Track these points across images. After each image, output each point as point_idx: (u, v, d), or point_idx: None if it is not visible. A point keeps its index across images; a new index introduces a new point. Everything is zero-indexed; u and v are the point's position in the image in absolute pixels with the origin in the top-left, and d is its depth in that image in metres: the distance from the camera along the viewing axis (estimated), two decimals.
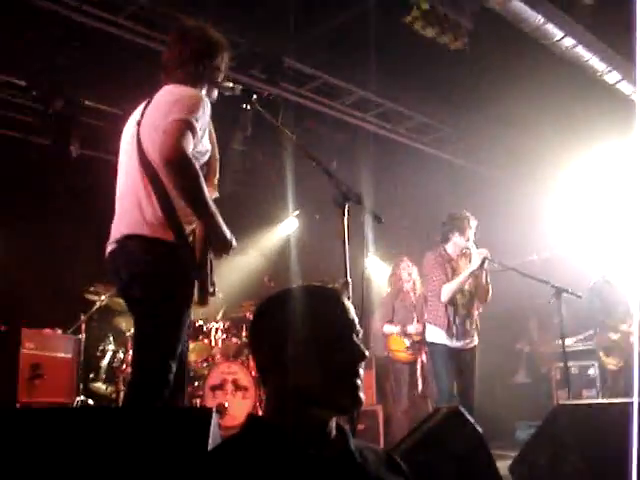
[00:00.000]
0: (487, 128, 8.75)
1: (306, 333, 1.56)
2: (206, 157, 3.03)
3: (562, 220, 8.46)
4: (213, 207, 2.85)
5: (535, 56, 6.81)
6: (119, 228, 2.98)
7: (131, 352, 6.55)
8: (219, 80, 3.24)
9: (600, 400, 7.39)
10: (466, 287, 5.49)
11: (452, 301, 5.41)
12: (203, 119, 2.90)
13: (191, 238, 2.93)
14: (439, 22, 5.94)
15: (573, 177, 8.72)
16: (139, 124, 3.02)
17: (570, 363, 7.98)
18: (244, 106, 3.31)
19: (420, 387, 6.80)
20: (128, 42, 6.10)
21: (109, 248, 3.01)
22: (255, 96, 3.30)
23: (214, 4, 6.10)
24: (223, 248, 2.93)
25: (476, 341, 5.54)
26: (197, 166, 2.81)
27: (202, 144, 2.97)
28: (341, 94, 7.73)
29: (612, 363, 6.98)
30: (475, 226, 5.55)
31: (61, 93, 7.13)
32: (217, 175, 3.17)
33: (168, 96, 2.97)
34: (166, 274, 2.86)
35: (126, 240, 2.92)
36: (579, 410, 3.74)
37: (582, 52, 6.71)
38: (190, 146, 2.80)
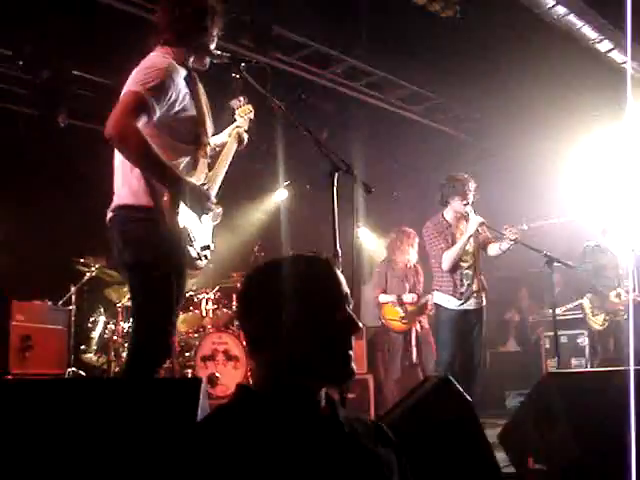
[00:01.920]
0: (478, 98, 8.70)
1: (299, 302, 1.54)
2: (186, 124, 3.08)
3: (555, 190, 8.44)
4: (171, 169, 2.92)
5: (528, 24, 6.75)
6: (114, 198, 3.08)
7: (121, 324, 6.56)
8: (210, 45, 3.22)
9: (588, 369, 7.47)
10: (469, 249, 5.52)
11: (456, 265, 5.45)
12: (170, 87, 2.93)
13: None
14: None
15: (566, 146, 8.69)
16: None
17: (559, 332, 8.03)
18: (233, 75, 3.29)
19: (414, 356, 6.82)
20: (116, 10, 6.01)
21: (107, 217, 3.09)
22: (244, 64, 3.28)
23: None
24: (197, 202, 3.03)
25: (484, 302, 5.58)
26: (141, 135, 2.80)
27: (179, 110, 3.01)
28: (331, 63, 7.66)
29: (597, 322, 7.03)
30: (474, 189, 5.57)
31: (48, 63, 7.04)
32: (208, 140, 3.25)
33: (141, 65, 3.00)
34: (153, 239, 2.94)
35: (117, 210, 3.03)
36: (567, 379, 3.76)
37: (573, 20, 6.67)
38: (139, 118, 2.82)
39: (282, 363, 1.55)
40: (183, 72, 3.08)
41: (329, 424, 1.56)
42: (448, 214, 5.64)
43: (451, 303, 5.46)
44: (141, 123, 2.83)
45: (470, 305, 5.48)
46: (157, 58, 3.03)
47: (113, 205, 3.05)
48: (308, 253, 1.67)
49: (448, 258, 5.44)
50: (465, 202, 5.50)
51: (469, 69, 7.69)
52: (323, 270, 1.63)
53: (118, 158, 3.04)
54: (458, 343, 5.39)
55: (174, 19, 3.11)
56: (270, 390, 1.55)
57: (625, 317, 6.97)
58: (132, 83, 2.90)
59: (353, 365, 1.57)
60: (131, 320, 3.57)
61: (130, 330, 3.19)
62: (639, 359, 6.30)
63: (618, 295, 6.96)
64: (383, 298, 6.87)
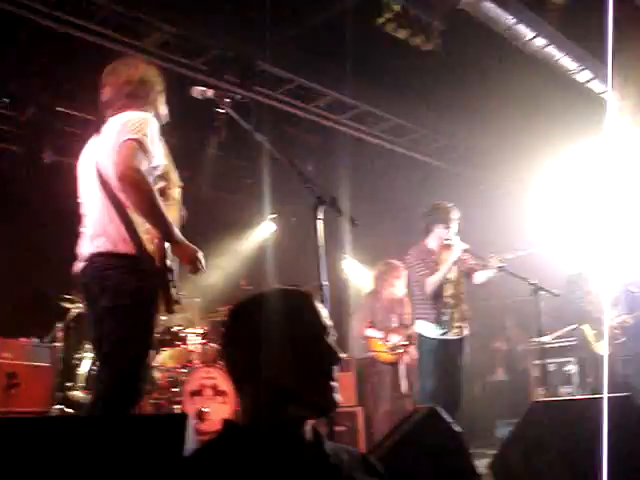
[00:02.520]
0: (462, 128, 8.79)
1: (281, 335, 1.57)
2: (159, 170, 3.14)
3: (539, 218, 8.50)
4: (167, 216, 2.98)
5: (508, 55, 6.85)
6: (87, 247, 3.10)
7: None
8: (161, 100, 3.38)
9: (574, 396, 7.45)
10: (451, 277, 5.51)
11: (438, 293, 5.43)
12: (151, 136, 3.03)
13: (153, 248, 3.04)
14: (410, 24, 5.96)
15: (549, 176, 8.78)
16: (95, 152, 3.17)
17: (548, 360, 8.03)
18: (217, 110, 3.34)
19: (404, 388, 6.78)
20: (99, 47, 6.05)
21: (79, 266, 3.13)
22: (228, 100, 3.33)
23: (184, 8, 6.08)
24: (190, 260, 3.05)
25: (466, 332, 5.55)
26: (150, 180, 2.94)
27: (155, 159, 3.08)
28: (315, 97, 7.73)
29: (602, 348, 6.99)
30: (458, 217, 5.58)
31: (33, 100, 7.06)
32: (177, 185, 3.31)
33: (120, 120, 3.08)
34: (131, 285, 2.97)
35: (94, 257, 3.04)
36: (554, 406, 3.76)
37: (553, 51, 6.77)
38: (143, 162, 2.93)
39: (265, 395, 1.56)
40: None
41: (314, 456, 1.56)
42: (431, 242, 5.64)
43: (433, 332, 5.43)
44: (144, 167, 2.92)
45: (452, 335, 5.46)
46: (133, 112, 3.13)
47: (87, 254, 3.07)
48: (290, 286, 1.69)
49: (431, 283, 5.41)
50: (448, 229, 5.51)
51: (452, 100, 7.78)
52: (304, 303, 1.65)
53: (95, 207, 3.09)
54: (440, 372, 5.35)
55: (122, 84, 3.26)
56: (254, 423, 1.57)
57: (623, 340, 6.98)
58: (125, 133, 2.96)
59: (337, 396, 1.58)
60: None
61: None
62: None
63: (612, 319, 6.99)
64: (370, 333, 6.84)
